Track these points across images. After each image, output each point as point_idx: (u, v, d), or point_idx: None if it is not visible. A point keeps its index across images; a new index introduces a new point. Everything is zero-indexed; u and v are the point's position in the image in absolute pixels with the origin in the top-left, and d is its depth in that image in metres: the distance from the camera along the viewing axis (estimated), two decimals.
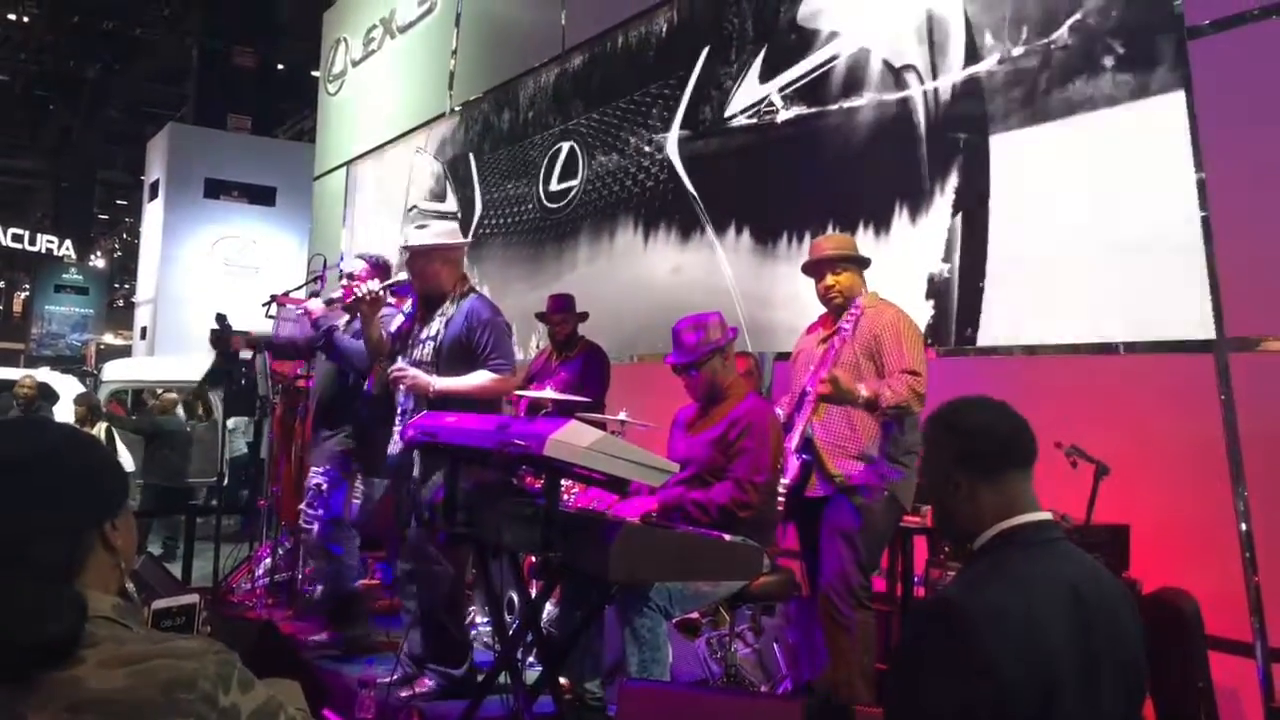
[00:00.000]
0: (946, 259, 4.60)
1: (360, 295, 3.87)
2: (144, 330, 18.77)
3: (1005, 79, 4.42)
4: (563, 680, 3.63)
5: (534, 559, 3.97)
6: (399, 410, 3.85)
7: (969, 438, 1.75)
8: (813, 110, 5.38)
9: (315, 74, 13.21)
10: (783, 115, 5.56)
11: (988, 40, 4.51)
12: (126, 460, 8.28)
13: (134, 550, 1.36)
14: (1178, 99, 3.81)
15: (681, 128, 6.26)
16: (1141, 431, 3.75)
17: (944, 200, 4.64)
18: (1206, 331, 3.65)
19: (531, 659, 3.89)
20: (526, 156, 7.92)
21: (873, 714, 3.07)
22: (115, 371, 12.45)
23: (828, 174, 5.27)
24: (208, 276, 17.77)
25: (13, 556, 1.20)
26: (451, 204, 8.92)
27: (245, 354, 5.40)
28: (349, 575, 4.59)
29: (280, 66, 19.93)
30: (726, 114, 5.92)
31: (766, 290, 5.55)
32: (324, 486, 4.51)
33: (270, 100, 20.19)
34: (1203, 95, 3.74)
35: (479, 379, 3.71)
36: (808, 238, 5.13)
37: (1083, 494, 3.40)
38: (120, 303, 29.67)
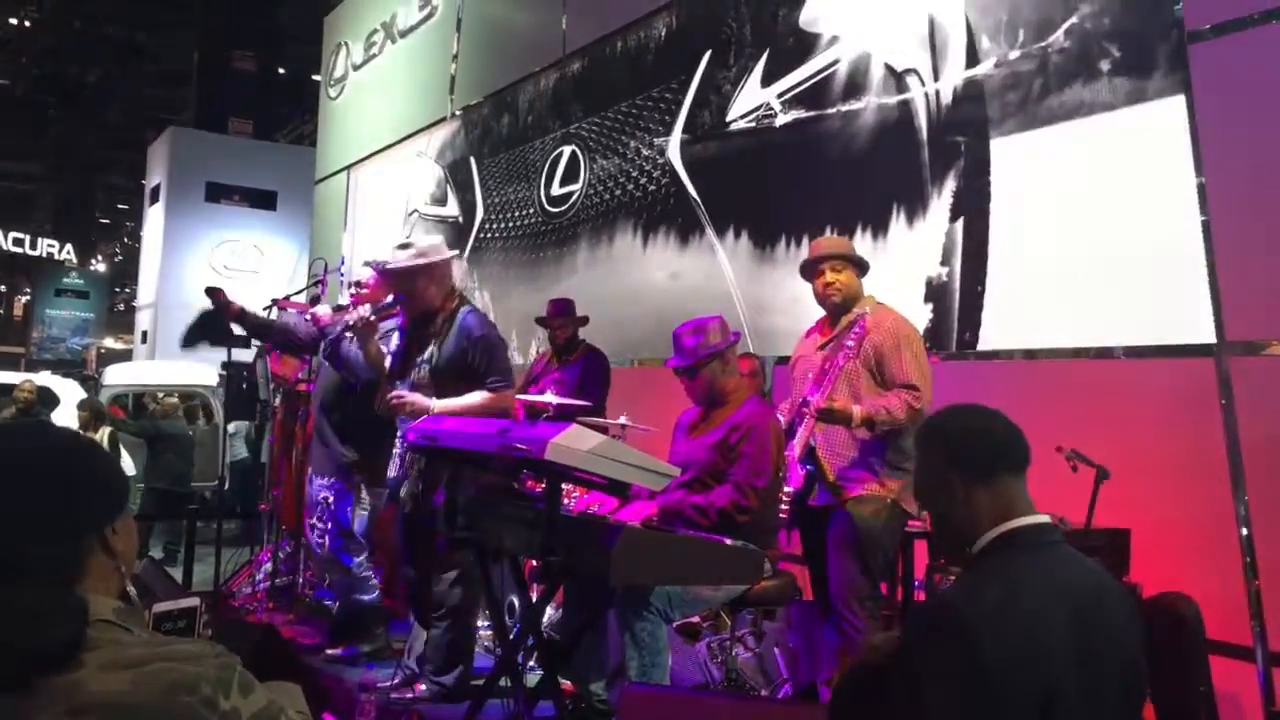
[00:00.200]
0: (946, 263, 4.60)
1: (350, 323, 3.90)
2: (145, 334, 18.79)
3: (1005, 83, 4.42)
4: (567, 683, 3.63)
5: (535, 563, 3.97)
6: (399, 435, 3.84)
7: (964, 440, 1.76)
8: (814, 114, 5.39)
9: (316, 78, 13.24)
10: (785, 119, 5.57)
11: (985, 44, 4.52)
12: (127, 464, 8.29)
13: (134, 554, 1.36)
14: (1178, 103, 3.81)
15: (684, 132, 6.27)
16: (1142, 436, 3.75)
17: (946, 204, 4.65)
18: (1207, 336, 3.66)
19: (532, 663, 3.89)
20: (527, 161, 7.93)
21: None
22: (117, 375, 12.46)
23: (829, 178, 5.27)
24: (209, 280, 17.75)
25: (13, 560, 1.20)
26: (453, 208, 8.93)
27: (238, 330, 5.17)
28: (362, 588, 4.57)
29: (281, 71, 19.97)
30: (729, 118, 5.93)
31: (768, 295, 5.56)
32: (331, 499, 4.49)
33: (271, 104, 20.23)
34: (1203, 99, 3.75)
35: (477, 399, 3.69)
36: (807, 241, 5.13)
37: (1083, 498, 3.39)
38: (121, 307, 29.73)
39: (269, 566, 5.84)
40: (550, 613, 4.11)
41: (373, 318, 3.91)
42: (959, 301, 4.54)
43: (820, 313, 3.76)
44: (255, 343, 6.25)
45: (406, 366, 3.86)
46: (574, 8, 7.56)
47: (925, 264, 4.68)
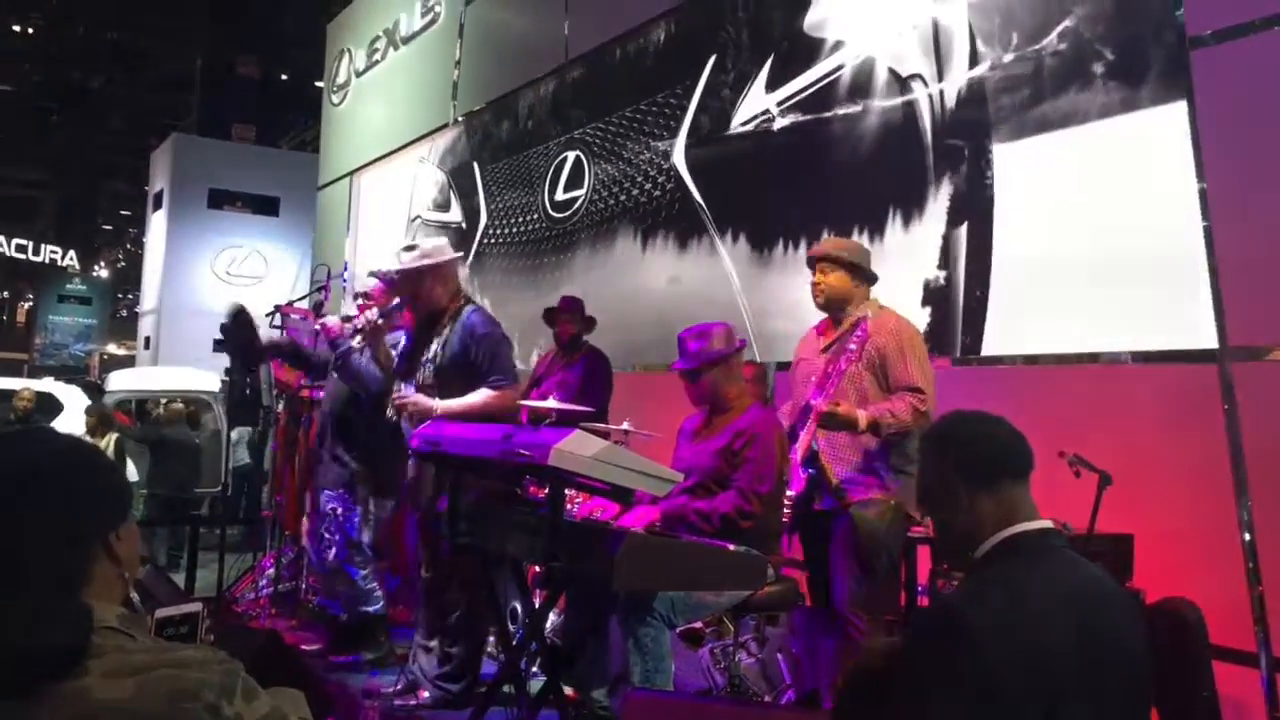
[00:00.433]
0: (948, 267, 4.60)
1: (359, 328, 3.96)
2: (147, 340, 18.81)
3: (1008, 89, 4.42)
4: (570, 690, 3.62)
5: (537, 568, 3.97)
6: (407, 436, 3.85)
7: (968, 446, 1.76)
8: (818, 118, 5.39)
9: (319, 84, 13.27)
10: (789, 123, 5.57)
11: (986, 50, 4.52)
12: (130, 471, 8.29)
13: (138, 560, 1.36)
14: (1180, 109, 3.82)
15: (688, 137, 6.28)
16: (1145, 441, 3.75)
17: (949, 208, 4.65)
18: (1209, 341, 3.65)
19: (535, 669, 3.88)
20: (531, 166, 7.93)
21: None
22: (120, 381, 12.47)
23: (833, 182, 5.28)
24: (211, 286, 17.81)
25: (17, 567, 1.20)
26: (455, 213, 8.94)
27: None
28: (367, 599, 4.57)
29: (284, 77, 20.02)
30: (733, 123, 5.94)
31: (771, 299, 5.56)
32: (339, 511, 4.50)
33: (274, 110, 20.28)
34: (1204, 104, 3.75)
35: (480, 398, 3.70)
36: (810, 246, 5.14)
37: (1086, 503, 3.39)
38: (124, 313, 29.77)
39: (272, 572, 5.85)
40: (553, 618, 4.10)
41: (380, 321, 3.94)
42: (963, 306, 4.54)
43: (822, 314, 3.76)
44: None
45: (412, 366, 3.88)
46: (577, 13, 7.57)
47: (926, 268, 4.68)
